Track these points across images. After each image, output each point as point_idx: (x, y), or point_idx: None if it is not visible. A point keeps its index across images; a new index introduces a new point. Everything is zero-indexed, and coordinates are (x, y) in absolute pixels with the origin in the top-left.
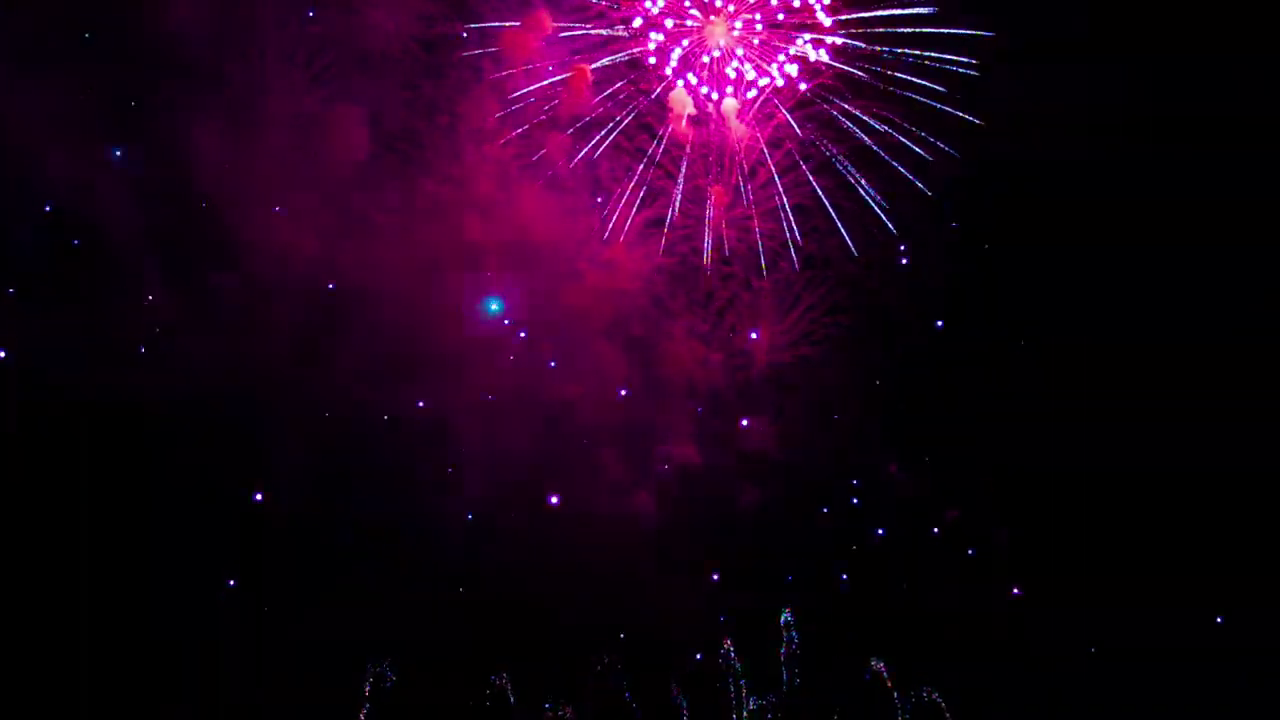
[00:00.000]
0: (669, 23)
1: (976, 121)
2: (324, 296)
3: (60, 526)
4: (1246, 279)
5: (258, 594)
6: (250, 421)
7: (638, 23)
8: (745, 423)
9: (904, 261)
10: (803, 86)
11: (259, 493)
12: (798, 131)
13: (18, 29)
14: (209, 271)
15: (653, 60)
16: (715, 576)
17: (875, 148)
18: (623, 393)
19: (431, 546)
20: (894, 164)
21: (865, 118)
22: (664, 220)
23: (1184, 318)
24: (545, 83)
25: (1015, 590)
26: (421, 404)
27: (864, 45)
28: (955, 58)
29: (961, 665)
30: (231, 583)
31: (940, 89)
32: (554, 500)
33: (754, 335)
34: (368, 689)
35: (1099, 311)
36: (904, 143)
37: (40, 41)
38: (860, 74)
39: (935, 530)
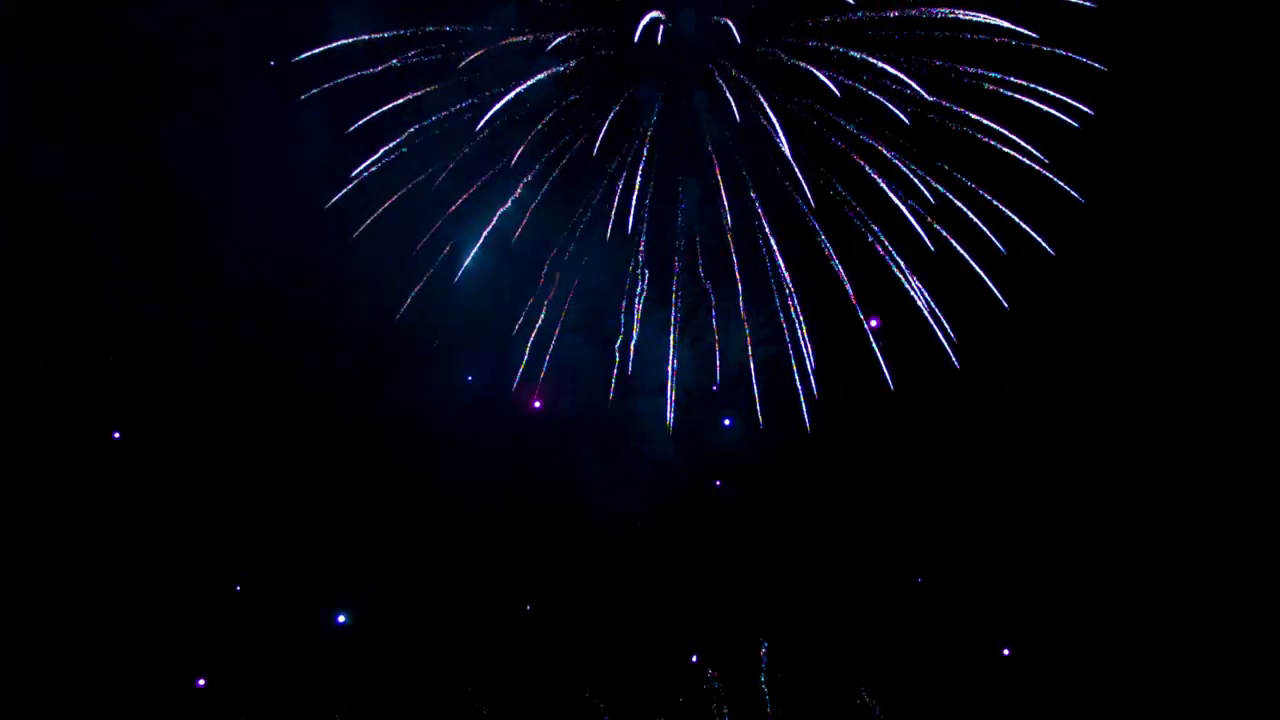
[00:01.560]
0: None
1: (1079, 198)
2: (296, 292)
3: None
4: None
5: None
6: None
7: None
8: (719, 419)
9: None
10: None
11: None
12: (809, 195)
13: None
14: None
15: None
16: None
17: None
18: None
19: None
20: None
21: (912, 174)
22: (637, 216)
23: None
24: (516, 81)
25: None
26: (398, 403)
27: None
28: (1062, 98)
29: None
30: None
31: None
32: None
33: (727, 331)
34: None
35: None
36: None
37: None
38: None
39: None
